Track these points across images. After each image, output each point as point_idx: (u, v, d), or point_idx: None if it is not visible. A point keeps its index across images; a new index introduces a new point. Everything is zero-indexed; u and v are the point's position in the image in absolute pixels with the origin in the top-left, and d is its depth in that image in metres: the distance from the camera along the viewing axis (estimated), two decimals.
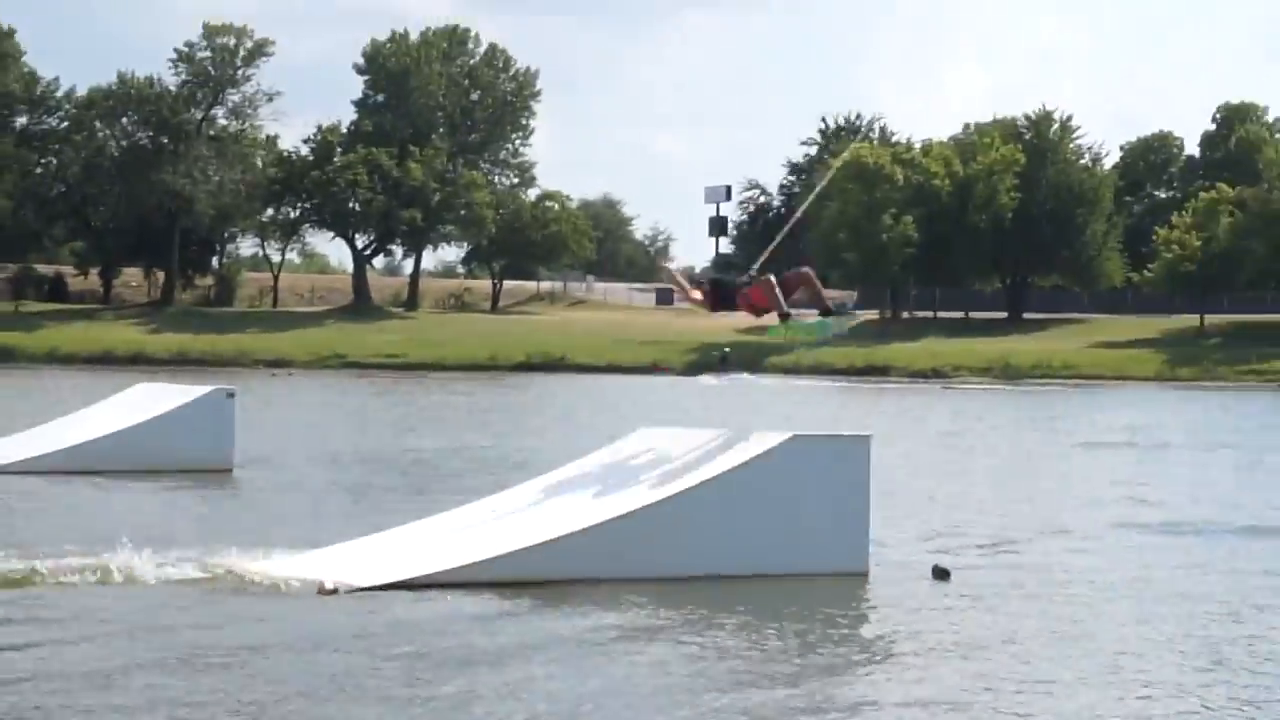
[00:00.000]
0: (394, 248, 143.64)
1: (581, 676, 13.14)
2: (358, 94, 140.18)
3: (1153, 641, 15.70)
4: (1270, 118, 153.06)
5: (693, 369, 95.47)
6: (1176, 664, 14.65)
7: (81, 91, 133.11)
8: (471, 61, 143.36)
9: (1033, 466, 37.35)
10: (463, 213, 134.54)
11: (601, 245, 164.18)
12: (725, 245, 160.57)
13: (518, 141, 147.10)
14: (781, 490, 18.62)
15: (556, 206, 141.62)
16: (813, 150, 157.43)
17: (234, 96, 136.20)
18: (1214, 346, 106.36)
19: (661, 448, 20.00)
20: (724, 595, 17.22)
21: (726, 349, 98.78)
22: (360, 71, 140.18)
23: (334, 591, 16.30)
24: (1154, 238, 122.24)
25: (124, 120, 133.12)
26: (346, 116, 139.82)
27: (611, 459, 20.38)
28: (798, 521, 18.69)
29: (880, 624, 16.60)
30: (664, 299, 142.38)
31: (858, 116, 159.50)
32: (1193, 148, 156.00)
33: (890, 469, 32.95)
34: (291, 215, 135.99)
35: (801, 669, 13.91)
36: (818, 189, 19.02)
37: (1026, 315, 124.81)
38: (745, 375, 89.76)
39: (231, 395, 30.44)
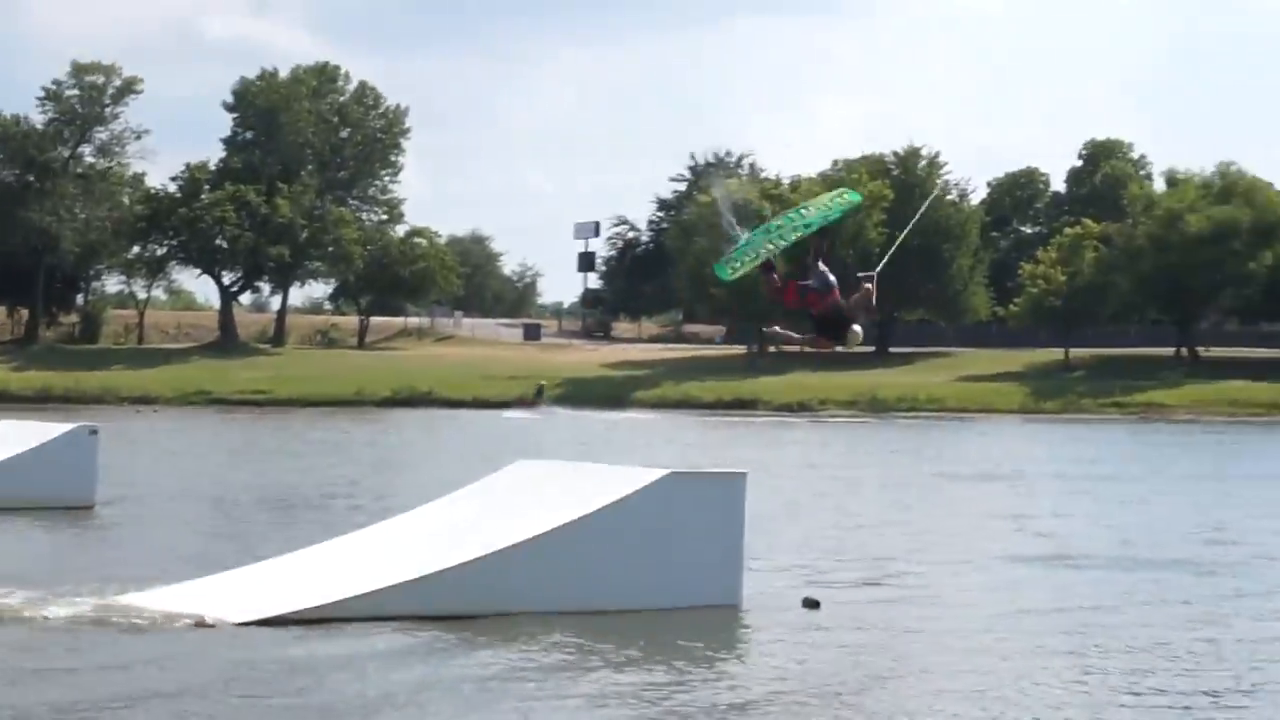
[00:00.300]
0: (261, 284, 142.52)
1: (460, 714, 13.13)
2: (226, 132, 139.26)
3: (1021, 674, 15.90)
4: (1135, 154, 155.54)
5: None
6: (1045, 696, 14.86)
7: None
8: (341, 99, 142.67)
9: (900, 499, 37.65)
10: (330, 249, 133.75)
11: (469, 281, 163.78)
12: (593, 280, 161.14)
13: (387, 178, 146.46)
14: (658, 525, 18.72)
15: (424, 243, 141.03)
16: (682, 186, 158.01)
17: (102, 134, 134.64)
18: (1077, 380, 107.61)
19: (538, 481, 20.05)
20: (598, 630, 17.25)
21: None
22: (229, 109, 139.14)
23: (212, 626, 16.19)
24: (1020, 272, 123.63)
25: None
26: (215, 154, 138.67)
27: (488, 492, 20.40)
28: (674, 556, 18.79)
29: (748, 660, 16.75)
30: (531, 334, 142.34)
31: (727, 153, 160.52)
32: (1059, 184, 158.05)
33: (763, 502, 33.09)
34: (158, 252, 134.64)
35: (675, 709, 13.97)
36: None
37: (893, 349, 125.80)
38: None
39: (94, 432, 30.18)
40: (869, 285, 18.38)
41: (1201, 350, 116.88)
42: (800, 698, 14.56)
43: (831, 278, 18.38)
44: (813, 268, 18.42)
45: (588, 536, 18.33)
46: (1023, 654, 16.94)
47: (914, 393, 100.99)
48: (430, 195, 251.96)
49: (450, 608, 17.34)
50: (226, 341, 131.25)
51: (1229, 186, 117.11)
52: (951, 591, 21.69)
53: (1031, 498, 38.25)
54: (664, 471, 19.17)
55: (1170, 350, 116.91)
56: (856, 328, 18.12)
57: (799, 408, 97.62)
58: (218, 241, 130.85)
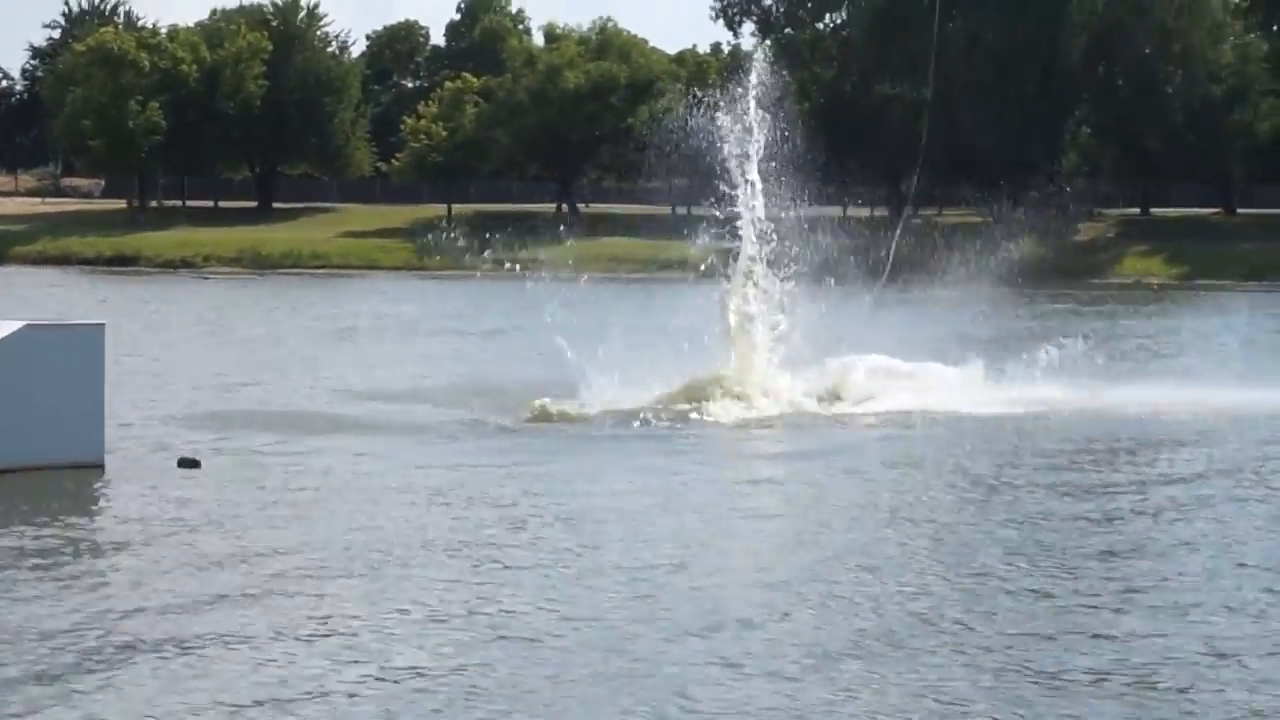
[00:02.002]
0: None
1: None
2: None
3: (404, 537, 16.10)
4: (514, 9, 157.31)
5: None
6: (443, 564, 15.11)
7: None
8: None
9: (281, 355, 37.50)
10: None
11: None
12: None
13: None
14: (13, 381, 18.08)
15: None
16: (56, 34, 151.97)
17: None
18: (460, 235, 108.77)
19: None
20: None
21: None
22: None
23: None
24: (402, 127, 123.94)
25: None
26: None
27: None
28: (31, 413, 18.20)
29: (102, 513, 16.50)
30: None
31: (101, 1, 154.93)
32: (438, 38, 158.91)
33: (144, 358, 32.48)
34: None
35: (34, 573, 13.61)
36: None
37: (277, 204, 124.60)
38: None
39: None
40: None
41: (582, 206, 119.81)
42: (171, 560, 14.39)
43: None
44: None
45: None
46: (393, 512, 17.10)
47: (298, 249, 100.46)
48: None
49: None
50: None
51: (606, 43, 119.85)
52: (342, 450, 21.74)
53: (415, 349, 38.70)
54: (20, 323, 18.51)
55: (552, 206, 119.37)
56: None
57: (182, 264, 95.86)
58: None
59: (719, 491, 19.20)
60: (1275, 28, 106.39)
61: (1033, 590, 13.77)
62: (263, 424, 23.41)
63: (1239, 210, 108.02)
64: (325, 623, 12.21)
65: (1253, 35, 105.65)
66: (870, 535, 16.15)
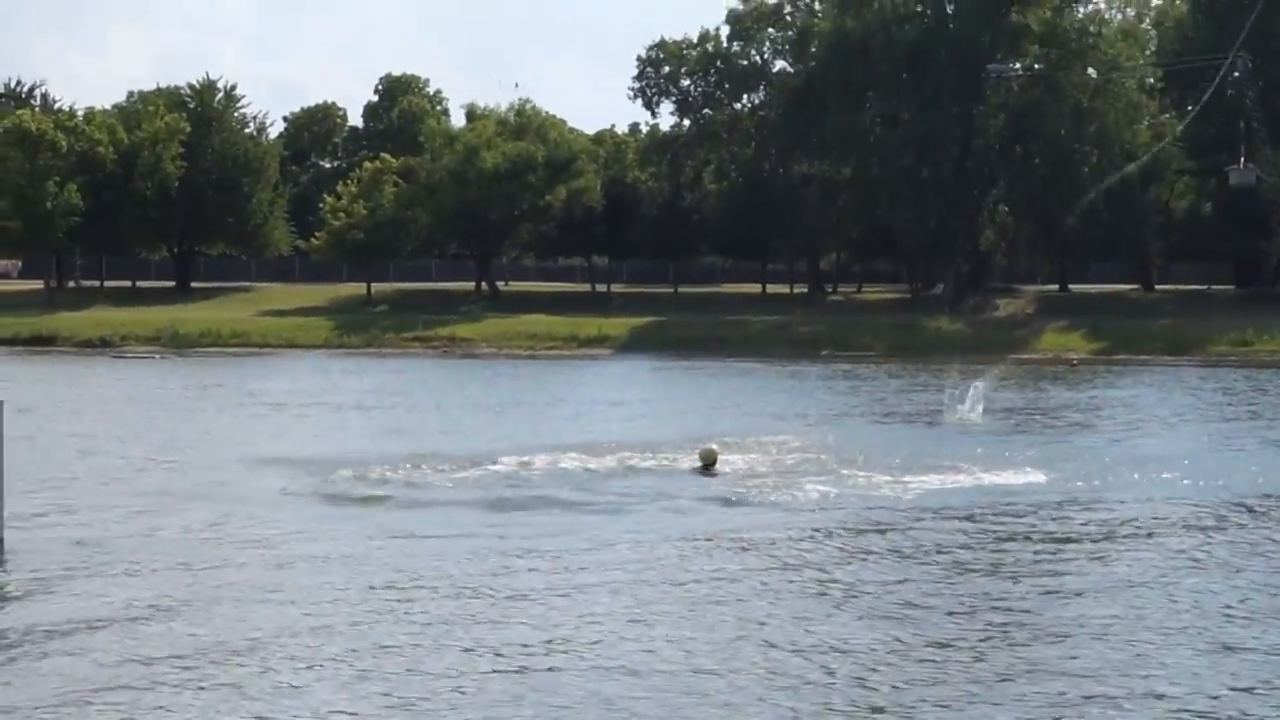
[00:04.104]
0: None
1: None
2: None
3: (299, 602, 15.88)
4: (431, 89, 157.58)
5: None
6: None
7: None
8: None
9: (186, 431, 37.20)
10: None
11: None
12: None
13: None
14: None
15: None
16: None
17: None
18: (381, 314, 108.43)
19: None
20: None
21: None
22: None
23: None
24: (321, 206, 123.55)
25: None
26: None
27: None
28: None
29: None
30: None
31: (18, 83, 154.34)
32: (356, 119, 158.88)
33: (51, 437, 32.09)
34: None
35: None
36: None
37: (195, 284, 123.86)
38: None
39: None
40: None
41: (501, 285, 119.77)
42: None
43: None
44: None
45: None
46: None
47: (217, 328, 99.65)
48: None
49: None
50: None
51: (524, 123, 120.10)
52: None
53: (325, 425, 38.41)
54: None
55: (471, 285, 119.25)
56: None
57: (100, 343, 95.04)
58: None
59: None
60: (1189, 107, 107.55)
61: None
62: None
63: (1156, 286, 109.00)
64: None
65: (1167, 115, 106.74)
66: None
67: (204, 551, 19.56)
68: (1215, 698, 13.61)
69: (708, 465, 28.87)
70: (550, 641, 15.16)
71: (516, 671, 14.07)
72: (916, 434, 38.08)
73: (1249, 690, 13.84)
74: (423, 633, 15.42)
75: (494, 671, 14.06)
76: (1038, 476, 28.40)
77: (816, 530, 22.19)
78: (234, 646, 14.46)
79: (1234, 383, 59.86)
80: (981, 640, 15.49)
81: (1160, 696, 13.62)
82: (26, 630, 14.47)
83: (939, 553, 20.50)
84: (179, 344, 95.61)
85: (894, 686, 13.63)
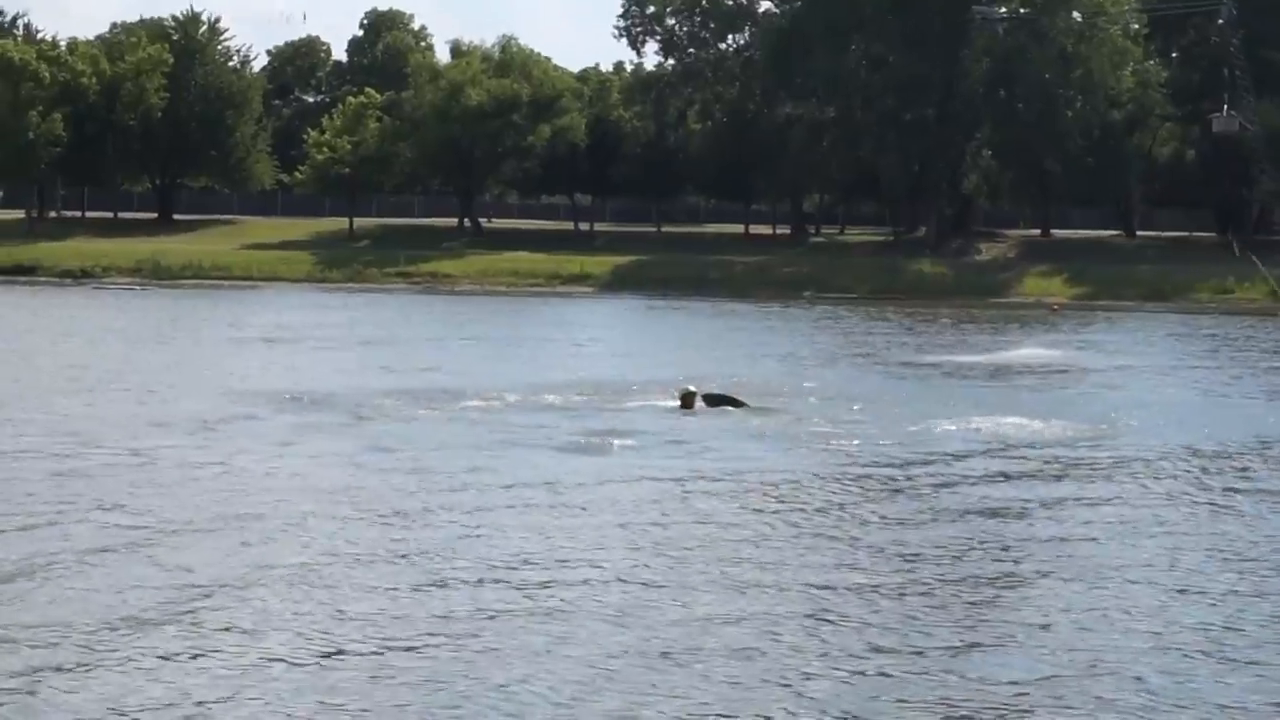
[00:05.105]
0: None
1: None
2: None
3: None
4: (416, 25, 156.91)
5: None
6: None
7: None
8: None
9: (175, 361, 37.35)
10: None
11: None
12: None
13: None
14: None
15: None
16: None
17: None
18: (363, 249, 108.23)
19: None
20: None
21: None
22: None
23: None
24: (304, 140, 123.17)
25: None
26: None
27: None
28: None
29: None
30: None
31: (0, 13, 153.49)
32: (340, 53, 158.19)
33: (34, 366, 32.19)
34: None
35: None
36: None
37: (177, 216, 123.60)
38: None
39: None
40: None
41: (484, 221, 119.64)
42: None
43: None
44: None
45: None
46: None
47: (199, 260, 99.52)
48: None
49: None
50: None
51: (509, 60, 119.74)
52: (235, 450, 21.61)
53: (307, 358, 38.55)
54: None
55: (454, 221, 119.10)
56: None
57: (81, 274, 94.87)
58: None
59: None
60: (1174, 54, 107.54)
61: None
62: None
63: (1139, 233, 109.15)
64: None
65: (1152, 62, 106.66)
66: None
67: (206, 484, 19.72)
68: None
69: (686, 404, 29.03)
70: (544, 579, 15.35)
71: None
72: (900, 381, 38.25)
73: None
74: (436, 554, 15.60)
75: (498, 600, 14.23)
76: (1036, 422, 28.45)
77: (810, 473, 22.34)
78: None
79: (1215, 330, 60.15)
80: (985, 578, 15.65)
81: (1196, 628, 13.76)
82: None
83: (939, 493, 20.68)
84: (160, 275, 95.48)
85: (897, 630, 13.75)
